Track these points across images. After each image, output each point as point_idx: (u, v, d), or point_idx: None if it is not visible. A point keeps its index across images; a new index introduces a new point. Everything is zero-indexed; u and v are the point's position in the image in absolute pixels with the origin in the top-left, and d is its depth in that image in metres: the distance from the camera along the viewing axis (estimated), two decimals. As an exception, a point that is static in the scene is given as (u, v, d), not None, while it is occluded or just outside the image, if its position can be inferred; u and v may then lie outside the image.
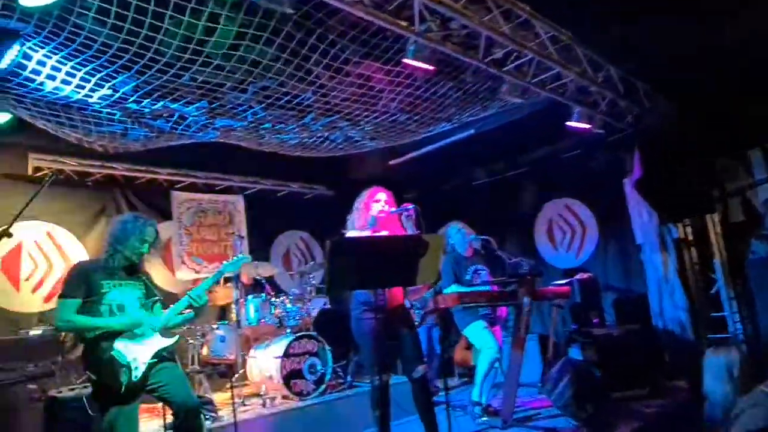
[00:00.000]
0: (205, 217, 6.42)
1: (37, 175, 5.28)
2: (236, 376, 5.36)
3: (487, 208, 7.15)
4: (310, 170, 7.34)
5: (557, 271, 6.25)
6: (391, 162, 7.10)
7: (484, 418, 4.52)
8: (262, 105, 3.88)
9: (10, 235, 2.12)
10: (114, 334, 2.84)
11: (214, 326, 5.10)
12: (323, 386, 4.87)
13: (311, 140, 5.08)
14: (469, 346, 6.53)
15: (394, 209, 3.51)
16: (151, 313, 3.03)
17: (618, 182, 5.64)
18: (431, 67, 3.47)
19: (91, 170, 5.55)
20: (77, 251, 5.34)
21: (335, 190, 7.87)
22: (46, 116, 3.87)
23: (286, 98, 3.80)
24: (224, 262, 3.38)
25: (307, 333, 4.98)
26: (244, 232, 6.61)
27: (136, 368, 2.85)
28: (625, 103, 4.91)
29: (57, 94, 3.60)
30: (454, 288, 4.50)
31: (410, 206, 3.45)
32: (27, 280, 4.97)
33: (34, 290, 5.00)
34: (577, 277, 5.28)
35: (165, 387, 2.93)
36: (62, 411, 3.71)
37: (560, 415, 4.37)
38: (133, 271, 3.09)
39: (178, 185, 6.34)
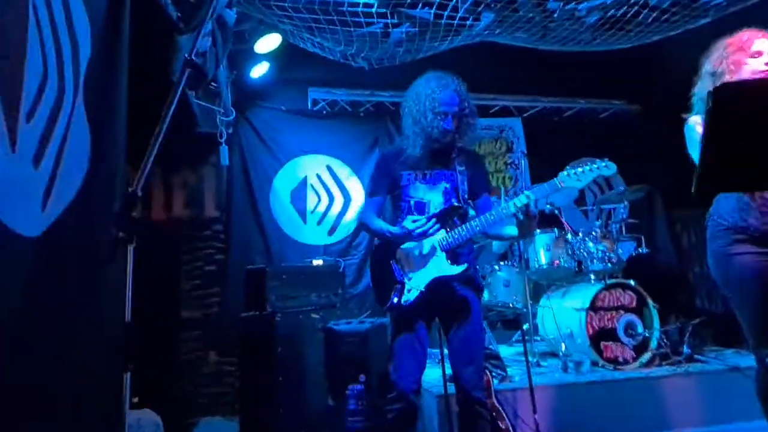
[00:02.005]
0: (479, 146, 5.57)
1: (315, 108, 5.27)
2: (524, 327, 4.44)
3: None
4: (603, 81, 5.73)
5: None
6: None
7: None
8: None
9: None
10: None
11: (496, 267, 4.23)
12: (647, 355, 3.51)
13: (619, 13, 3.58)
14: None
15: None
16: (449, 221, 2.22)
17: None
18: None
19: (361, 99, 5.29)
20: (353, 185, 5.18)
21: (641, 104, 6.03)
22: (307, 24, 3.49)
23: None
24: (567, 171, 2.15)
25: (622, 281, 3.65)
26: (524, 160, 5.53)
27: (410, 290, 2.15)
28: None
29: (311, -13, 3.15)
30: None
31: None
32: (312, 213, 5.02)
33: (318, 223, 5.01)
34: None
35: (450, 343, 2.24)
36: (340, 344, 3.41)
37: None
38: (444, 156, 2.28)
39: (449, 110, 5.63)
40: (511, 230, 2.22)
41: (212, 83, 4.08)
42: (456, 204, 2.23)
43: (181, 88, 1.31)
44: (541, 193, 2.11)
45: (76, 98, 1.74)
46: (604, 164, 2.13)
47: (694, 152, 2.01)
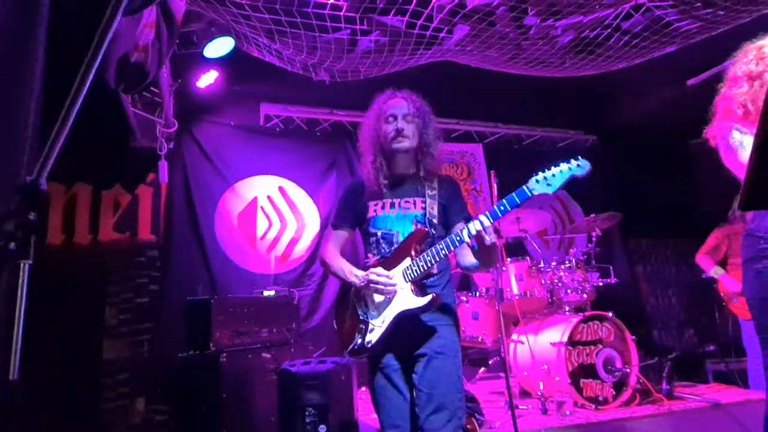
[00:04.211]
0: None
1: (269, 125, 4.87)
2: (490, 363, 4.15)
3: None
4: (562, 111, 5.75)
5: None
6: (690, 81, 5.00)
7: None
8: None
9: None
10: None
11: (464, 298, 3.94)
12: (627, 393, 3.29)
13: (593, 35, 3.49)
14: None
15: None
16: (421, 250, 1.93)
17: None
18: None
19: (318, 117, 4.96)
20: (309, 209, 4.77)
21: (598, 135, 6.08)
22: (267, 26, 3.14)
23: None
24: (535, 176, 1.84)
25: (600, 313, 3.45)
26: (485, 186, 5.37)
27: (372, 330, 1.91)
28: None
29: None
30: None
31: None
32: (262, 239, 4.55)
33: (269, 250, 4.55)
34: None
35: (416, 387, 1.89)
36: (297, 388, 2.94)
37: None
38: (410, 181, 2.05)
39: (409, 133, 5.41)
40: (472, 260, 1.93)
41: (152, 88, 3.62)
42: (422, 228, 1.96)
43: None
44: (504, 211, 1.76)
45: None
46: (576, 163, 1.79)
47: (734, 163, 1.80)
